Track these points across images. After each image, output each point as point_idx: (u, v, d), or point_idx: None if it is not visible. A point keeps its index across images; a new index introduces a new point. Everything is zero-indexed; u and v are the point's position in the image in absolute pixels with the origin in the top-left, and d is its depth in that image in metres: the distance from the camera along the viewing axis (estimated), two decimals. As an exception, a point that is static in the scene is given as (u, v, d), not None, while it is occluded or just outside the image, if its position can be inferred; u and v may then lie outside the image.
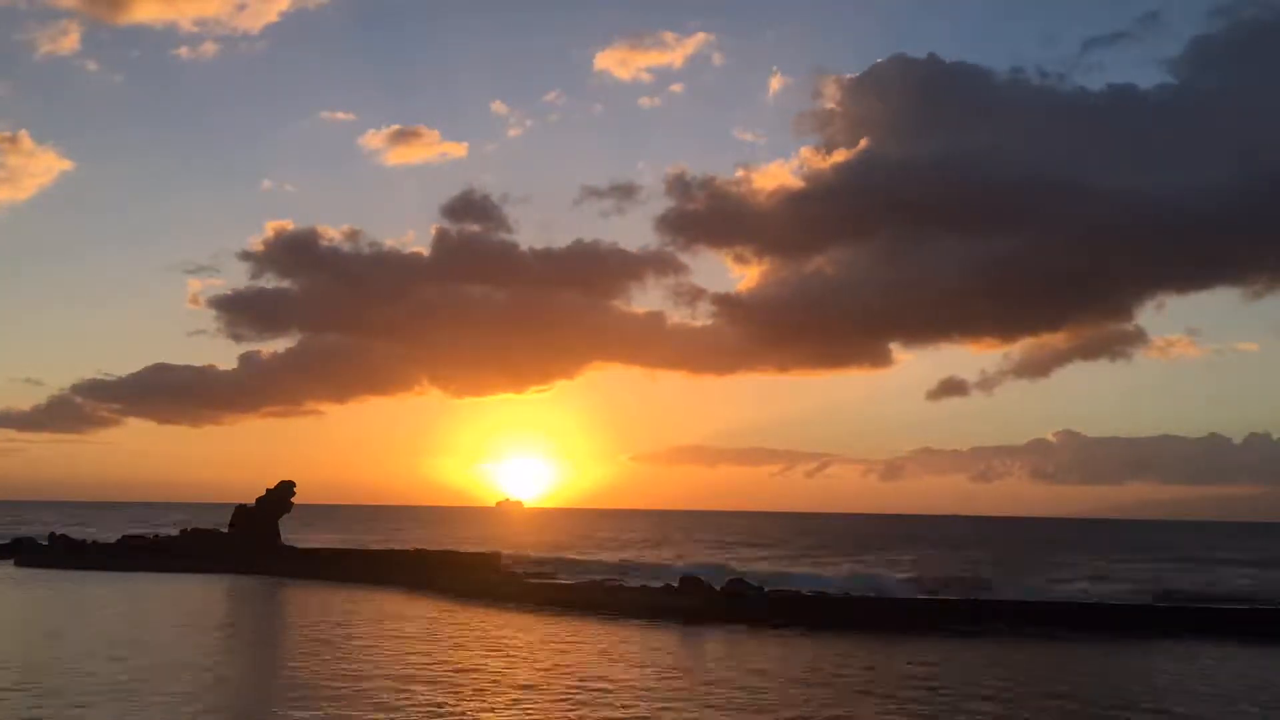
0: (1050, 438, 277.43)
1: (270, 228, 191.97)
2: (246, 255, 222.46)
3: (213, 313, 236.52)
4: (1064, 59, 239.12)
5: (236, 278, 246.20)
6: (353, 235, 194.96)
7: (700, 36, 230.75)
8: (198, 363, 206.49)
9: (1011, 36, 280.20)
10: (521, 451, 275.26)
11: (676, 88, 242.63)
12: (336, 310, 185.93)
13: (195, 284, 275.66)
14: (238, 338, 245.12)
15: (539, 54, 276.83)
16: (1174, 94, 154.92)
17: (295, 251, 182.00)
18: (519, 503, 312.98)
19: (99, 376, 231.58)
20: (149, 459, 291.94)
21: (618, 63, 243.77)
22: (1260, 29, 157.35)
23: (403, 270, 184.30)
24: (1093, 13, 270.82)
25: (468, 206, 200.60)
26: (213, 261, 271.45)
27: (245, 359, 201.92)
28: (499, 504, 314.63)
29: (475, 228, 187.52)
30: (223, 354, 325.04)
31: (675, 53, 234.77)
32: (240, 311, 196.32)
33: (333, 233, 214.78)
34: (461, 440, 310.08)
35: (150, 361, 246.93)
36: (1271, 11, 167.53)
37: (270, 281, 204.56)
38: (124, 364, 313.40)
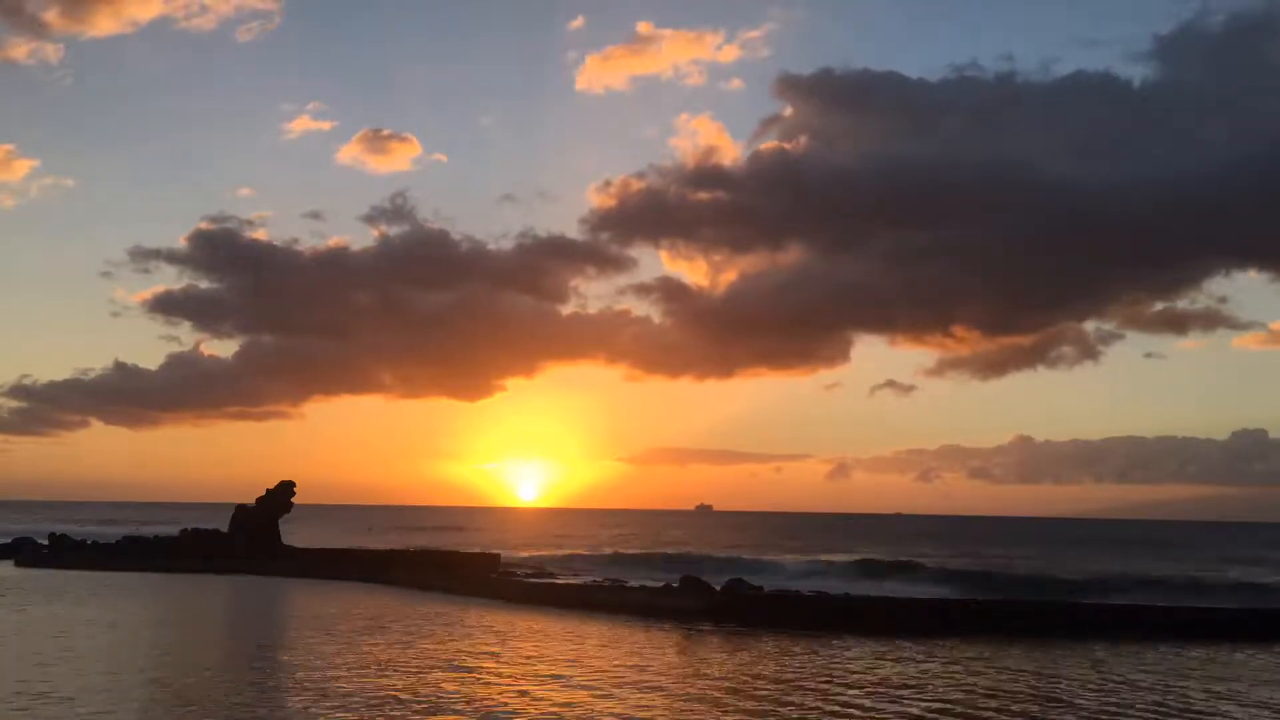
0: (1010, 440, 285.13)
1: (229, 228, 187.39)
2: (191, 257, 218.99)
3: (166, 314, 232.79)
4: (1023, 53, 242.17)
5: (188, 279, 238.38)
6: (307, 236, 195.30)
7: (667, 38, 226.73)
8: (150, 364, 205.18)
9: (966, 32, 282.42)
10: (504, 453, 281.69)
11: (625, 88, 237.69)
12: (298, 311, 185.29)
13: (147, 287, 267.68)
14: (188, 339, 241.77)
15: (509, 56, 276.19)
16: (1126, 89, 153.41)
17: (242, 251, 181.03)
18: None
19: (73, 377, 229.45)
20: (107, 459, 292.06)
21: (574, 65, 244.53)
22: (1210, 26, 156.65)
23: (350, 271, 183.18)
24: (1055, 9, 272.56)
25: (429, 208, 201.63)
26: (163, 263, 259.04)
27: (195, 359, 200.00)
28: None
29: (434, 229, 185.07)
30: (174, 355, 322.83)
31: (640, 57, 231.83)
32: (189, 312, 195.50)
33: (283, 233, 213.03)
34: (453, 441, 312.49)
35: (106, 362, 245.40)
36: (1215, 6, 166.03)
37: (222, 282, 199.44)
38: (83, 364, 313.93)
